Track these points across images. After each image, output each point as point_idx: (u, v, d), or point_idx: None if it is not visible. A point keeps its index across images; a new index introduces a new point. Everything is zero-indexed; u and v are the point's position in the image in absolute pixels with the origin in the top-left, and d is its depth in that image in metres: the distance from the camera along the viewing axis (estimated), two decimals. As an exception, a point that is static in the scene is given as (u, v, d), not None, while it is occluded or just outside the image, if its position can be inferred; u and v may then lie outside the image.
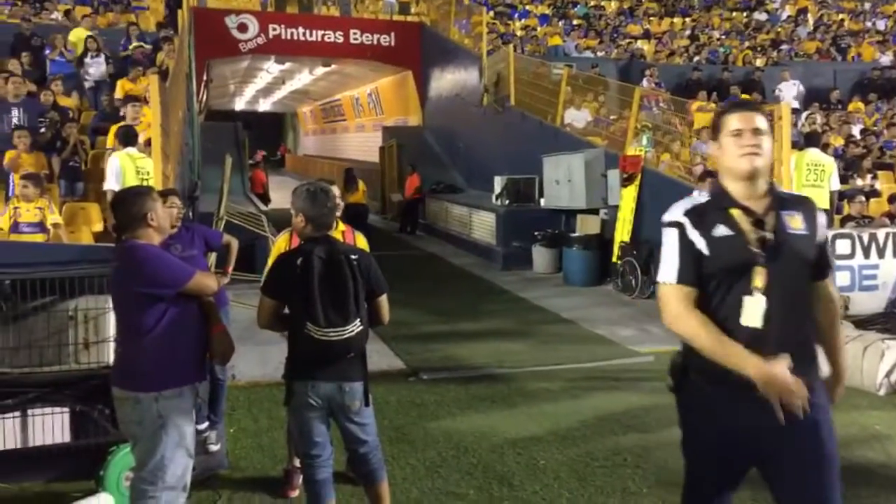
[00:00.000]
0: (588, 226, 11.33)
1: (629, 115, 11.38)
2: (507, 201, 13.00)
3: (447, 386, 6.22)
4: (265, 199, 18.43)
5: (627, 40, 18.98)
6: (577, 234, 11.23)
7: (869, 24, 20.64)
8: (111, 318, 4.01)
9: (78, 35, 11.45)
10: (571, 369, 6.72)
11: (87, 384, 3.97)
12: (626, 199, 10.36)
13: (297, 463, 4.07)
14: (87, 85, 10.97)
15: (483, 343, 7.64)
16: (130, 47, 11.41)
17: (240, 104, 39.81)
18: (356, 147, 29.59)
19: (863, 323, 7.19)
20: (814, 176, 8.57)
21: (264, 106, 41.71)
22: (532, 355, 7.17)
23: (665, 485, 4.21)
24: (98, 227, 7.57)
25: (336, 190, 3.57)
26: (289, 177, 37.57)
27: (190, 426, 3.04)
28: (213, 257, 5.89)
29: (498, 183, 13.25)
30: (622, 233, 10.35)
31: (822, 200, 8.60)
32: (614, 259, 10.40)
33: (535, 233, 11.88)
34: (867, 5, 22.18)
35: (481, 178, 15.40)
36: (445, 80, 19.36)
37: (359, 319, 3.08)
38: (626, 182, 10.36)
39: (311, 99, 35.85)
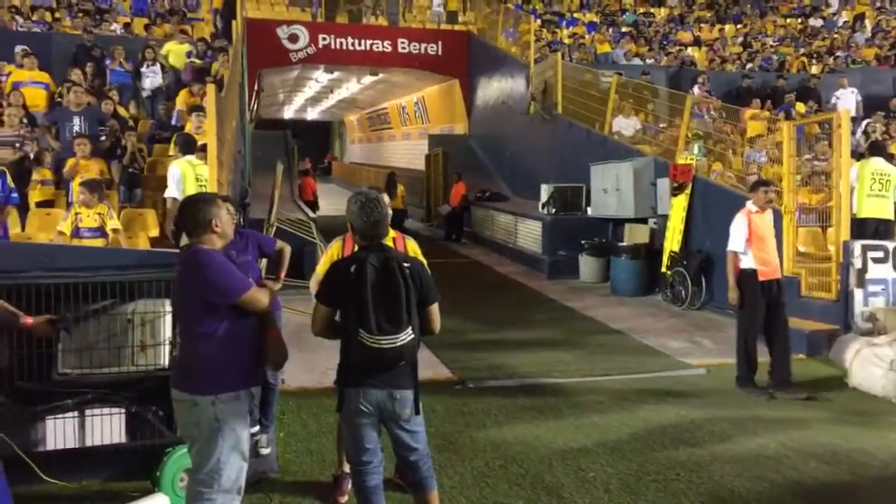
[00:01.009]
0: (636, 235, 11.17)
1: (679, 123, 11.20)
2: (553, 210, 12.90)
3: (493, 395, 6.18)
4: (314, 206, 18.66)
5: (678, 48, 18.71)
6: (625, 244, 11.08)
7: (931, 28, 19.93)
8: (167, 322, 4.12)
9: (172, 49, 11.80)
10: (620, 380, 6.62)
11: (143, 386, 4.07)
12: (677, 208, 10.18)
13: (346, 469, 4.09)
14: (143, 94, 11.30)
15: (529, 352, 7.58)
16: (187, 60, 11.70)
17: (288, 113, 40.51)
18: (402, 155, 29.79)
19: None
20: (878, 186, 8.31)
21: (312, 115, 42.36)
22: (580, 365, 7.09)
23: (720, 500, 4.10)
24: (154, 232, 7.75)
25: (386, 198, 3.58)
26: (335, 184, 38.08)
27: (245, 430, 3.07)
28: (263, 262, 5.99)
29: (544, 191, 13.17)
30: (672, 242, 10.17)
31: (886, 211, 8.32)
32: (663, 269, 10.22)
33: (582, 241, 11.76)
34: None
35: (527, 186, 15.33)
36: (492, 89, 19.36)
37: (411, 328, 3.09)
38: (676, 191, 10.18)
39: (358, 107, 36.26)
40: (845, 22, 21.00)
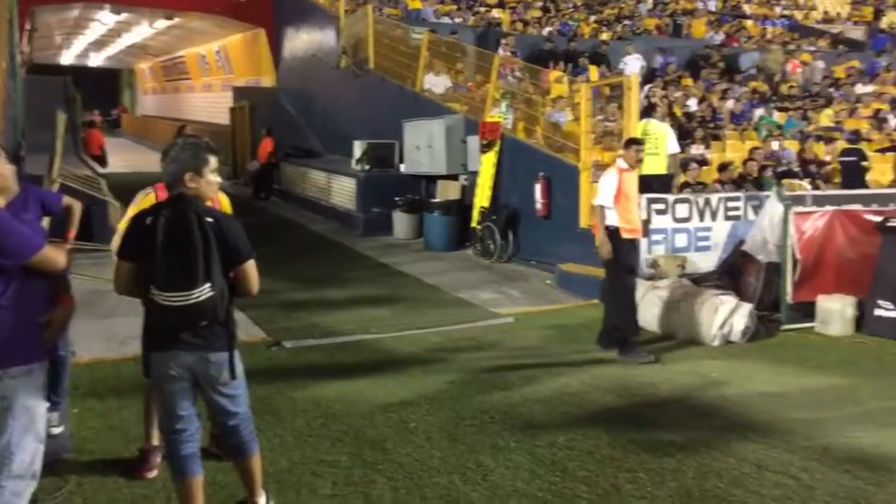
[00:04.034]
0: (448, 191, 11.44)
1: (488, 82, 11.53)
2: (366, 166, 12.83)
3: (312, 354, 6.09)
4: (102, 161, 17.00)
5: (484, 8, 19.17)
6: (437, 200, 11.31)
7: (700, 4, 22.19)
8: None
9: None
10: (436, 332, 6.79)
11: None
12: (486, 165, 10.54)
13: (155, 441, 3.82)
14: None
15: (347, 310, 7.53)
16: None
17: (68, 58, 36.33)
18: (203, 108, 28.00)
19: (698, 280, 7.81)
20: (650, 144, 9.04)
21: (97, 61, 38.34)
22: (397, 320, 7.17)
23: (532, 437, 4.37)
24: None
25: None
26: (126, 139, 35.00)
27: (41, 407, 2.72)
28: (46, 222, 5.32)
29: (357, 147, 13.03)
30: (482, 198, 10.54)
31: (661, 167, 9.11)
32: (474, 224, 10.58)
33: (396, 198, 11.83)
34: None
35: (340, 142, 15.08)
36: (301, 40, 18.67)
37: (209, 284, 2.88)
38: (485, 148, 10.53)
39: (151, 55, 33.38)
40: (631, -8, 22.72)
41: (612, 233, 6.09)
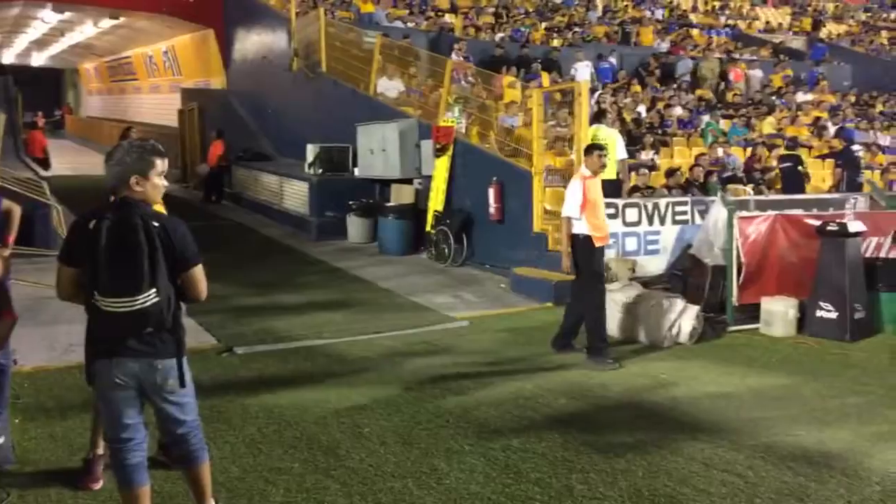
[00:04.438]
0: (402, 195, 11.43)
1: (441, 86, 11.56)
2: (319, 170, 12.73)
3: (264, 360, 6.01)
4: (45, 164, 16.47)
5: (437, 13, 19.22)
6: (391, 204, 11.29)
7: (648, 13, 22.69)
8: None
9: None
10: (390, 337, 6.77)
11: None
12: (440, 169, 10.57)
13: (100, 451, 3.71)
14: None
15: (300, 315, 7.46)
16: None
17: (8, 57, 35.11)
18: (150, 109, 27.38)
19: (648, 283, 7.97)
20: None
21: (39, 60, 37.14)
22: (351, 325, 7.12)
23: (486, 440, 4.39)
24: None
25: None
26: (70, 141, 33.99)
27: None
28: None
29: (310, 151, 12.92)
30: (436, 202, 10.56)
31: (611, 172, 9.25)
32: (428, 228, 10.59)
33: (350, 202, 11.76)
34: (648, -5, 24.35)
35: (292, 145, 14.92)
36: (251, 42, 18.42)
37: (154, 290, 2.83)
38: (439, 152, 10.55)
39: (95, 54, 32.50)
40: (580, 0, 23.09)
41: (585, 240, 6.02)
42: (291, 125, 15.95)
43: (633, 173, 10.29)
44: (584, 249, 6.04)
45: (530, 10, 21.21)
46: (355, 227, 11.65)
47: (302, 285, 8.96)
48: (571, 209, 6.04)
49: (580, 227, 6.04)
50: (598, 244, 6.06)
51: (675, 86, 16.27)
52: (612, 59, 17.30)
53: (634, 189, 9.98)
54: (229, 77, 19.92)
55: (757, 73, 17.75)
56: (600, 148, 6.38)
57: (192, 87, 21.91)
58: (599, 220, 6.15)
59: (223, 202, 16.04)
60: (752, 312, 7.23)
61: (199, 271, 3.01)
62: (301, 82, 15.25)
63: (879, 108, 16.98)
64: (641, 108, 13.94)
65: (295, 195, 13.23)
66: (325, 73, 14.32)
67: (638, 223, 8.87)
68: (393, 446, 4.30)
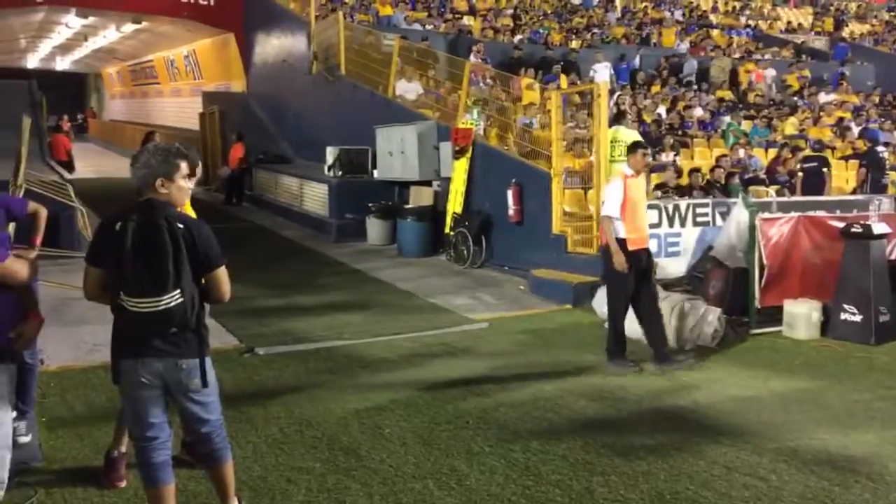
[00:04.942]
0: (421, 197, 11.45)
1: (459, 88, 11.58)
2: (339, 172, 12.79)
3: (285, 361, 6.05)
4: (69, 167, 16.70)
5: (455, 15, 19.26)
6: (410, 206, 11.32)
7: (668, 13, 22.57)
8: None
9: None
10: (410, 338, 6.79)
11: None
12: (458, 172, 10.58)
13: (123, 449, 3.76)
14: None
15: (320, 316, 7.50)
16: None
17: (33, 62, 35.63)
18: (172, 113, 27.64)
19: (668, 286, 7.91)
20: (619, 152, 9.15)
21: (63, 65, 37.67)
22: (370, 326, 7.15)
23: (506, 442, 4.39)
24: None
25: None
26: (94, 144, 34.42)
27: (5, 414, 2.67)
28: (12, 228, 5.22)
29: (330, 153, 12.99)
30: (454, 204, 10.57)
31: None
32: (447, 230, 10.60)
33: (369, 204, 11.80)
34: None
35: (311, 148, 15.01)
36: (271, 46, 18.55)
37: (179, 290, 2.87)
38: (457, 154, 10.56)
39: (118, 59, 32.88)
40: (599, 1, 23.03)
41: (619, 244, 5.83)
42: (311, 128, 16.04)
43: (658, 172, 10.24)
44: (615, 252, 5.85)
45: (549, 11, 21.18)
46: (375, 228, 11.69)
47: (322, 287, 9.01)
48: (612, 208, 5.85)
49: (616, 230, 5.86)
50: (630, 247, 5.84)
51: (695, 87, 16.17)
52: (636, 61, 17.23)
53: (661, 186, 9.89)
54: (249, 80, 20.08)
55: (770, 73, 17.56)
56: (644, 146, 6.17)
57: (212, 90, 22.12)
58: (638, 222, 5.94)
59: (244, 204, 16.15)
60: (774, 315, 7.16)
61: (222, 272, 3.05)
62: (320, 85, 15.34)
63: (904, 108, 16.74)
64: (661, 110, 13.86)
65: (314, 197, 13.30)
66: (344, 76, 14.39)
67: (658, 225, 8.79)
68: (413, 447, 4.31)
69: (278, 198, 15.05)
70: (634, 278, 5.89)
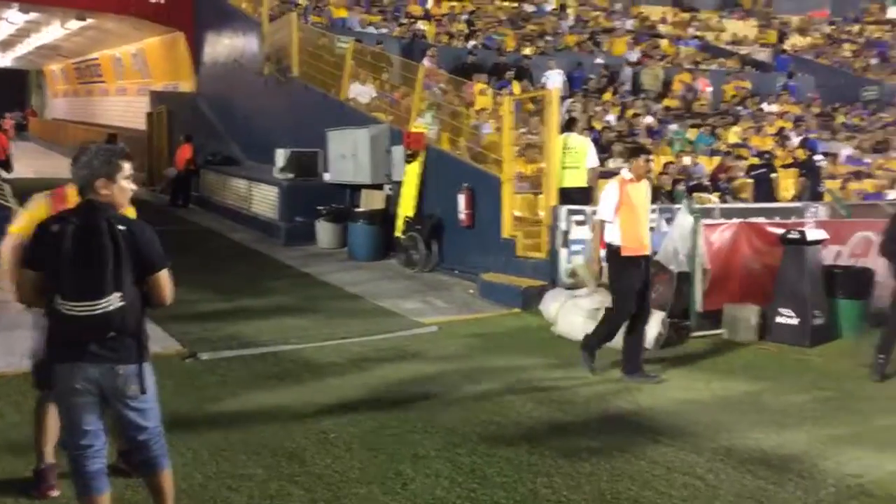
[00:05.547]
0: (373, 201, 11.41)
1: (413, 92, 11.58)
2: (290, 175, 12.65)
3: (229, 366, 5.95)
4: (6, 166, 16.13)
5: (410, 19, 19.26)
6: (361, 209, 11.26)
7: (619, 23, 22.98)
8: None
9: None
10: (358, 342, 6.75)
11: None
12: (410, 175, 10.57)
13: (49, 459, 3.65)
14: None
15: (267, 320, 7.40)
16: None
17: (-31, 57, 34.43)
18: (118, 112, 26.98)
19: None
20: (570, 158, 9.28)
21: (3, 61, 36.44)
22: (318, 330, 7.09)
23: (452, 445, 4.40)
24: None
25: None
26: (34, 143, 33.34)
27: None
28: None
29: (280, 156, 12.84)
30: (406, 208, 10.55)
31: (581, 180, 9.35)
32: (398, 234, 10.58)
33: (319, 207, 11.71)
34: (618, 6, 24.66)
35: (262, 150, 14.80)
36: (222, 46, 18.27)
37: (118, 294, 2.80)
38: (410, 158, 10.55)
39: (62, 56, 31.96)
40: (553, 9, 23.32)
41: (615, 251, 5.66)
42: (261, 129, 15.84)
43: (606, 179, 10.38)
44: (614, 261, 5.71)
45: (503, 18, 21.35)
46: (325, 232, 11.59)
47: (269, 290, 8.90)
48: (605, 212, 5.70)
49: (612, 235, 5.69)
50: (625, 254, 5.63)
51: (643, 95, 16.50)
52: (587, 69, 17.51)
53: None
54: (199, 80, 19.73)
55: (698, 85, 17.94)
56: (647, 151, 6.00)
57: (161, 89, 21.66)
58: (637, 229, 5.71)
59: (190, 206, 15.85)
60: (715, 319, 7.35)
61: (165, 275, 3.00)
62: (272, 87, 15.16)
63: (841, 119, 17.38)
64: (611, 117, 14.10)
65: (264, 200, 13.13)
66: (296, 78, 14.26)
67: (605, 230, 8.94)
68: (358, 452, 4.29)
69: (226, 200, 14.81)
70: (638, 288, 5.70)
